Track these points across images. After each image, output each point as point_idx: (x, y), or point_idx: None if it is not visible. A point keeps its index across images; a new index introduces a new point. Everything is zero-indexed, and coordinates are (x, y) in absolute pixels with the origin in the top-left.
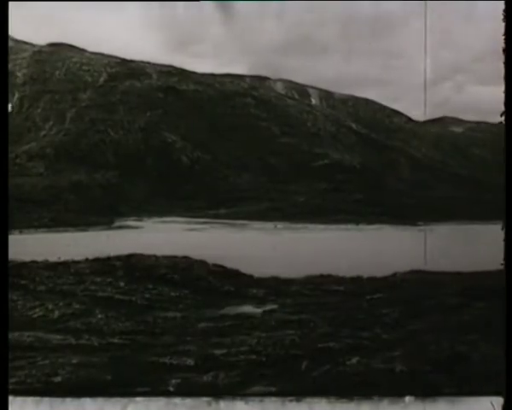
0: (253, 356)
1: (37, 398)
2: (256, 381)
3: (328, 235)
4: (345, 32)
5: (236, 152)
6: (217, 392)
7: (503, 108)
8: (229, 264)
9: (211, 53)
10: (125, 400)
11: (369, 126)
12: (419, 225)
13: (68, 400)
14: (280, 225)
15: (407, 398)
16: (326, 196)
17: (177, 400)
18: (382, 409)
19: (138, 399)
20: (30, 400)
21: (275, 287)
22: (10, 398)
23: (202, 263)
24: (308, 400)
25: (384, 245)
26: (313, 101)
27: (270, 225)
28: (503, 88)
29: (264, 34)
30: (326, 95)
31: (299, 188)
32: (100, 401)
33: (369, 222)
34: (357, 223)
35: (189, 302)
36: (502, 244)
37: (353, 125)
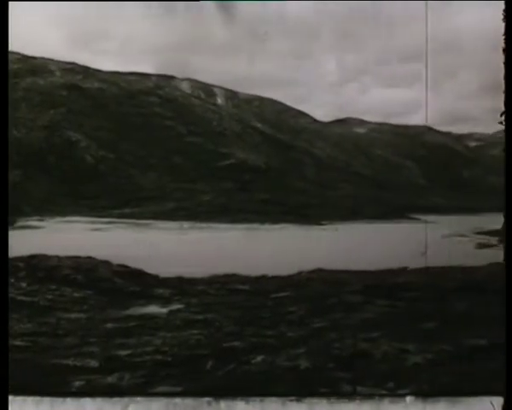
0: (159, 356)
1: (37, 398)
2: (161, 381)
3: (233, 234)
4: (252, 32)
5: (141, 151)
6: (121, 393)
7: (404, 110)
8: (134, 264)
9: (116, 50)
10: (125, 400)
11: (274, 126)
12: (323, 225)
13: (68, 400)
14: (186, 224)
15: (408, 398)
16: (232, 196)
17: (178, 400)
18: (383, 409)
19: (139, 399)
20: (30, 400)
21: (180, 287)
22: (10, 398)
23: (106, 263)
24: (308, 400)
25: (289, 244)
26: (219, 100)
27: (175, 224)
28: (405, 90)
29: (170, 32)
30: (232, 95)
31: (204, 187)
32: (100, 400)
33: (275, 221)
34: (263, 222)
35: (93, 303)
36: (403, 243)
37: (259, 125)
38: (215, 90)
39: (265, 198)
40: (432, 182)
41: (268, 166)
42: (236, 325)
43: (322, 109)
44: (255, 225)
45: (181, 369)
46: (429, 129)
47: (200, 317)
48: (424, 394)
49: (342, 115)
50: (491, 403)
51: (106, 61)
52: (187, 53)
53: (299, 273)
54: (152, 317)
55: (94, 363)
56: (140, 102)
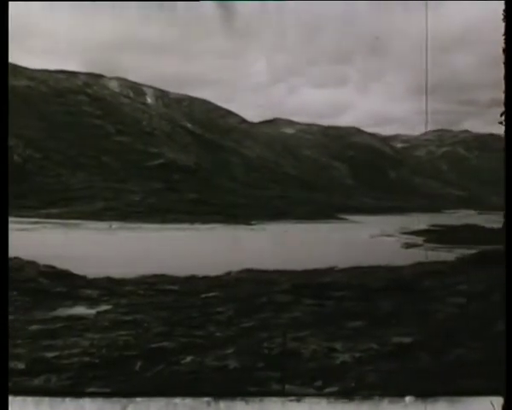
0: (86, 358)
1: (37, 398)
2: (89, 383)
3: (162, 234)
4: (183, 33)
5: (69, 150)
6: (48, 395)
7: (333, 111)
8: (61, 265)
9: (44, 48)
10: (124, 400)
11: (204, 126)
12: (252, 225)
13: (68, 400)
14: (115, 224)
15: (407, 398)
16: (161, 196)
17: (178, 400)
18: (382, 409)
19: (138, 399)
20: (30, 400)
21: (108, 287)
22: (10, 398)
23: (33, 264)
24: (308, 400)
25: (218, 244)
26: (148, 100)
27: (104, 224)
28: (334, 91)
29: (99, 31)
30: (161, 94)
31: (134, 187)
32: (100, 400)
33: (204, 221)
34: (192, 222)
35: (19, 304)
36: (331, 242)
37: (188, 125)
38: (145, 89)
39: (195, 198)
40: (360, 182)
41: (197, 166)
42: (165, 325)
43: (251, 109)
44: (185, 226)
45: (109, 370)
46: (357, 130)
47: (128, 318)
48: (350, 392)
49: (271, 116)
50: (491, 403)
51: (34, 59)
52: (116, 52)
53: (228, 273)
54: (79, 318)
55: (20, 365)
56: (68, 100)
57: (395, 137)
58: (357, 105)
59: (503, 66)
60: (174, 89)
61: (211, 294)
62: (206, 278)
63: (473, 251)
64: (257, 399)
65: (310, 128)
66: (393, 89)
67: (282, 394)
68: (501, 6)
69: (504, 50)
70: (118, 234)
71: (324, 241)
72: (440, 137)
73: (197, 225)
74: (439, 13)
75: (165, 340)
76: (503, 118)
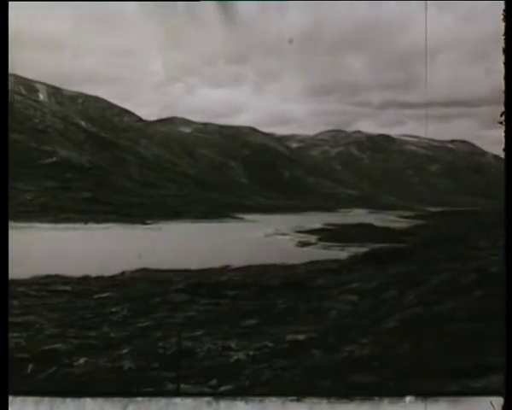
0: None
1: (37, 398)
2: None
3: (55, 234)
4: (78, 28)
5: None
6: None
7: (229, 110)
8: None
9: None
10: (125, 400)
11: (98, 124)
12: (148, 224)
13: (68, 400)
14: None
15: (408, 398)
16: (54, 195)
17: (178, 400)
18: (383, 409)
19: (139, 399)
20: (30, 400)
21: None
22: (10, 398)
23: None
24: (308, 400)
25: (113, 244)
26: (41, 97)
27: None
28: (231, 90)
29: None
30: (55, 91)
31: (26, 186)
32: (100, 401)
33: (98, 221)
34: (86, 222)
35: None
36: (227, 242)
37: (82, 123)
38: (37, 85)
39: (89, 197)
40: (255, 182)
41: (91, 165)
42: (58, 326)
43: (147, 108)
44: (78, 225)
45: None
46: (253, 130)
47: (19, 319)
48: (245, 390)
49: (168, 114)
50: (491, 403)
51: None
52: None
53: (123, 273)
54: None
55: None
56: None
57: (290, 137)
58: (253, 105)
59: (394, 68)
60: (68, 86)
61: (105, 294)
62: (100, 278)
63: (365, 249)
64: (257, 399)
65: (206, 127)
66: (290, 89)
67: (176, 394)
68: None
69: (504, 50)
70: (9, 234)
71: (219, 240)
72: (334, 137)
73: (91, 225)
74: (333, 12)
75: (57, 342)
76: (503, 118)
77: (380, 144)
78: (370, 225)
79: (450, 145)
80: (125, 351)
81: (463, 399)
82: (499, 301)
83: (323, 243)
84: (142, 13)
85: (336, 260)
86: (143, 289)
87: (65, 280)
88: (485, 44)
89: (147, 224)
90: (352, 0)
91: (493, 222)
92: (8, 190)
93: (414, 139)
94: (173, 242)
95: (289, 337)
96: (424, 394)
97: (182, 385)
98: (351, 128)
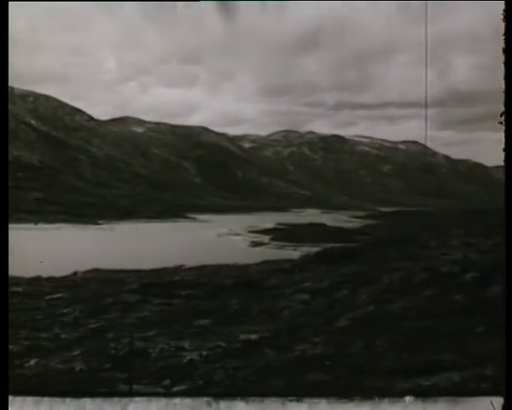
0: None
1: (37, 398)
2: None
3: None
4: (30, 26)
5: None
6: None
7: (183, 110)
8: None
9: None
10: (125, 400)
11: (49, 124)
12: (100, 224)
13: (68, 400)
14: None
15: (407, 398)
16: None
17: (177, 400)
18: (382, 409)
19: (138, 399)
20: (30, 400)
21: None
22: (10, 398)
23: None
24: (308, 400)
25: (65, 244)
26: None
27: None
28: (185, 90)
29: None
30: None
31: None
32: (100, 401)
33: (49, 221)
34: (37, 222)
35: None
36: (179, 242)
37: (33, 122)
38: None
39: (39, 197)
40: (208, 182)
41: (42, 165)
42: (9, 328)
43: (99, 107)
44: (29, 225)
45: None
46: (206, 129)
47: None
48: (198, 390)
49: (121, 114)
50: (491, 403)
51: None
52: None
53: (75, 274)
54: None
55: None
56: None
57: (243, 137)
58: (207, 105)
59: (348, 69)
60: (20, 85)
61: (56, 295)
62: (51, 278)
63: (317, 249)
64: (257, 399)
65: (159, 127)
66: (243, 89)
67: (129, 394)
68: (355, 8)
69: (504, 50)
70: None
71: (173, 240)
72: (287, 137)
73: (42, 225)
74: (291, 15)
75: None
76: (503, 118)
77: (332, 145)
78: (323, 225)
79: (401, 146)
80: (76, 352)
81: (463, 399)
82: (449, 300)
83: (276, 243)
84: (97, 11)
85: (289, 260)
86: (95, 289)
87: (16, 281)
88: (439, 46)
89: (99, 224)
90: (308, 0)
91: (444, 222)
92: (8, 190)
93: (366, 140)
94: (126, 242)
95: (242, 337)
96: (423, 394)
97: (134, 386)
98: (304, 129)
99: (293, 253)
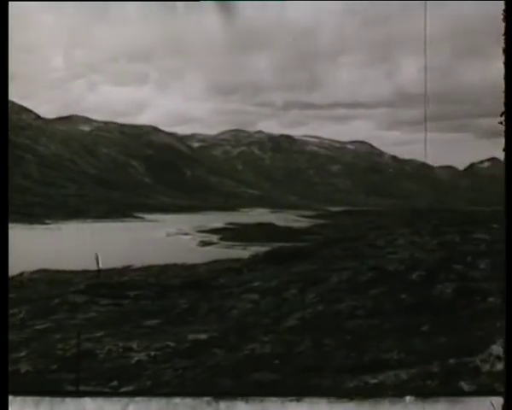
0: None
1: (37, 398)
2: None
3: None
4: None
5: None
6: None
7: (132, 109)
8: None
9: None
10: (125, 399)
11: None
12: (47, 224)
13: (68, 400)
14: None
15: (407, 398)
16: None
17: (177, 400)
18: (382, 409)
19: (138, 399)
20: (30, 400)
21: None
22: (10, 398)
23: None
24: (308, 400)
25: (11, 244)
26: None
27: None
28: (134, 89)
29: None
30: None
31: None
32: (100, 400)
33: None
34: None
35: None
36: (128, 242)
37: None
38: None
39: None
40: (157, 181)
41: None
42: None
43: (47, 106)
44: None
45: None
46: (155, 129)
47: None
48: (146, 390)
49: (68, 112)
50: (491, 403)
51: None
52: None
53: (22, 274)
54: None
55: None
56: None
57: (192, 137)
58: (156, 104)
59: (297, 69)
60: None
61: None
62: None
63: (266, 248)
64: (257, 399)
65: (107, 126)
66: (193, 89)
67: (76, 394)
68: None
69: (504, 50)
70: None
71: (121, 240)
72: (236, 137)
73: None
74: (241, 15)
75: None
76: (503, 118)
77: (281, 145)
78: (272, 225)
79: (350, 146)
80: (22, 354)
81: (463, 399)
82: (395, 299)
83: (225, 243)
84: (44, 9)
85: (238, 260)
86: (43, 290)
87: None
88: (387, 47)
89: (46, 224)
90: (260, 0)
91: (391, 221)
92: (8, 190)
93: (315, 140)
94: (73, 242)
95: (191, 337)
96: (422, 394)
97: (81, 387)
98: (253, 128)
99: (242, 252)
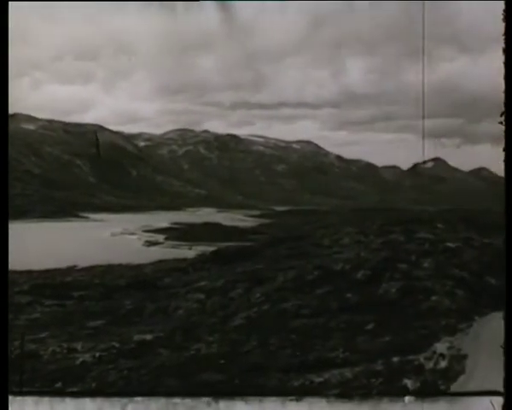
0: None
1: (37, 398)
2: None
3: None
4: None
5: None
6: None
7: (78, 108)
8: None
9: None
10: (124, 400)
11: None
12: None
13: (68, 400)
14: None
15: (407, 398)
16: None
17: (177, 400)
18: (382, 409)
19: (138, 399)
20: (30, 400)
21: None
22: (10, 398)
23: None
24: (308, 400)
25: None
26: None
27: None
28: (80, 87)
29: None
30: None
31: None
32: (99, 400)
33: None
34: None
35: None
36: (72, 241)
37: None
38: None
39: None
40: (102, 181)
41: None
42: None
43: None
44: None
45: None
46: (101, 127)
47: None
48: (92, 391)
49: (11, 111)
50: (491, 403)
51: None
52: None
53: None
54: None
55: None
56: None
57: (138, 136)
58: (102, 102)
59: (244, 69)
60: None
61: None
62: None
63: (213, 248)
64: (257, 399)
65: (52, 125)
66: (139, 88)
67: (19, 394)
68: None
69: (504, 50)
70: None
71: (66, 240)
72: (182, 136)
73: None
74: (189, 15)
75: None
76: (503, 118)
77: (227, 144)
78: (218, 224)
79: (295, 146)
80: None
81: (463, 399)
82: (341, 298)
83: (171, 242)
84: None
85: (184, 260)
86: None
87: None
88: (333, 48)
89: None
90: (208, 0)
91: (337, 221)
92: (8, 190)
93: (261, 139)
94: (17, 242)
95: (136, 337)
96: (422, 394)
97: (25, 388)
98: (200, 128)
99: (188, 252)
